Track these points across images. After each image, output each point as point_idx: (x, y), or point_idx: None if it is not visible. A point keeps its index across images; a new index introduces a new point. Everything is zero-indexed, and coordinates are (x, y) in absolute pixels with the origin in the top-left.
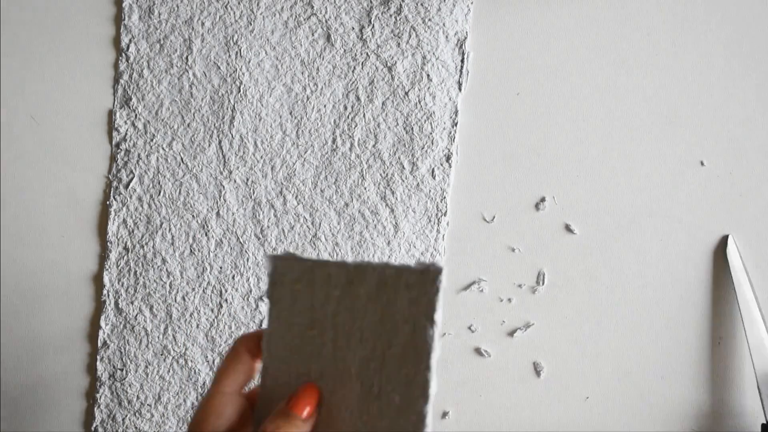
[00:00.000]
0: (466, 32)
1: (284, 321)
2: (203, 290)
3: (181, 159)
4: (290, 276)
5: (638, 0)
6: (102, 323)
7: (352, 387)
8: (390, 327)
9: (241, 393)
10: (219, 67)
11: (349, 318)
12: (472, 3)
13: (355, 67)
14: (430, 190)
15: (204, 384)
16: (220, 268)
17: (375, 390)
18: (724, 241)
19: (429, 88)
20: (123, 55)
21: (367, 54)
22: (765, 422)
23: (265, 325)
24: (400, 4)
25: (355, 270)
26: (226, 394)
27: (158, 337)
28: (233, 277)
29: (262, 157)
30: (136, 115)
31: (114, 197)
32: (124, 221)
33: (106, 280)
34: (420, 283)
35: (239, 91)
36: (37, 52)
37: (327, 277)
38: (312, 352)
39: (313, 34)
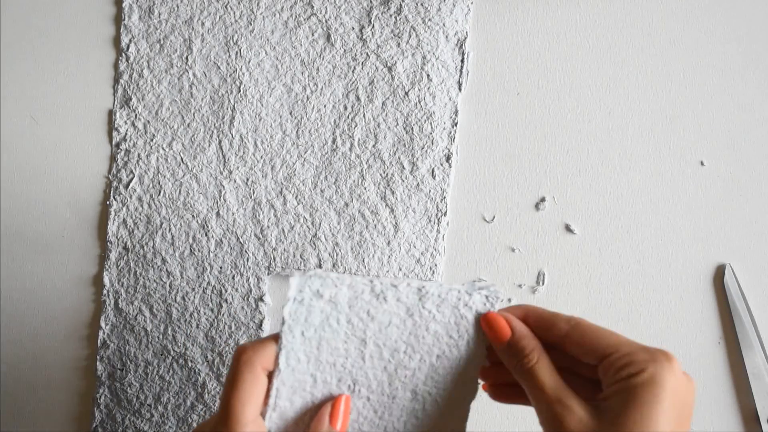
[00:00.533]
0: (466, 32)
1: (306, 337)
2: (203, 290)
3: (181, 159)
4: (315, 293)
5: (638, 0)
6: (102, 323)
7: (387, 394)
8: (438, 339)
9: (261, 422)
10: (219, 67)
11: (378, 331)
12: (472, 3)
13: (355, 67)
14: (430, 190)
15: (204, 384)
16: (220, 268)
17: (419, 396)
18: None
19: (429, 88)
20: (123, 55)
21: (367, 54)
22: None
23: (274, 333)
24: (400, 4)
25: (382, 286)
26: (250, 424)
27: (158, 337)
28: (233, 277)
29: (262, 157)
30: (136, 115)
31: (114, 197)
32: (124, 221)
33: (106, 280)
34: (480, 304)
35: (239, 91)
36: (37, 52)
37: (354, 292)
38: (336, 365)
39: (313, 34)
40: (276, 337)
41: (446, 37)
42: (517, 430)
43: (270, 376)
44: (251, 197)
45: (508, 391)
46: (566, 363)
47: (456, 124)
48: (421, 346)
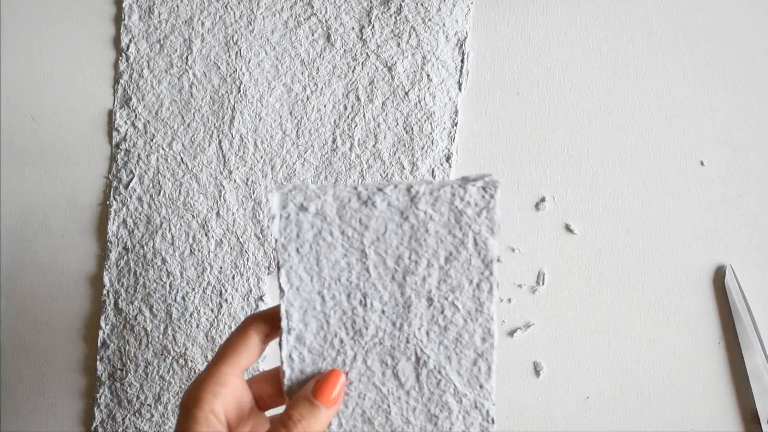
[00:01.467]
0: (466, 32)
1: (302, 254)
2: (203, 290)
3: (181, 159)
4: (299, 207)
5: (638, 0)
6: (102, 323)
7: (401, 304)
8: (442, 240)
9: (241, 375)
10: (219, 67)
11: (375, 239)
12: (472, 3)
13: (355, 67)
14: None
15: None
16: (220, 268)
17: (437, 303)
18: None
19: (429, 88)
20: (123, 55)
21: (367, 54)
22: None
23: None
24: (400, 4)
25: (368, 191)
26: (225, 375)
27: (158, 337)
28: (233, 277)
29: (262, 157)
30: (136, 115)
31: (114, 197)
32: (124, 221)
33: (105, 280)
34: (479, 197)
35: (239, 91)
36: (38, 52)
37: (340, 202)
38: (341, 279)
39: (313, 34)
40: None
41: (446, 37)
42: (517, 429)
43: (272, 333)
44: (251, 197)
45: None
46: None
47: (456, 124)
48: (425, 249)
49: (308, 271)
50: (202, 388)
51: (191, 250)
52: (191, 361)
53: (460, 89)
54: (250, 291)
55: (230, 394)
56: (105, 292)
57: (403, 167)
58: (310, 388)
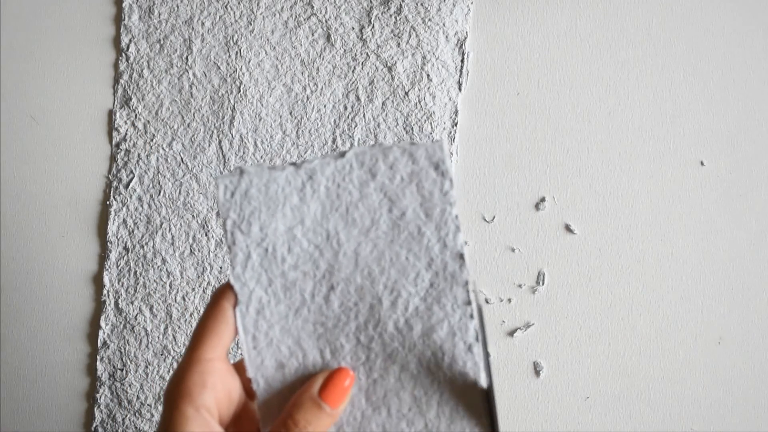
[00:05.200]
0: (466, 32)
1: (264, 240)
2: (203, 290)
3: (181, 159)
4: (244, 194)
5: (638, 0)
6: (102, 323)
7: (368, 280)
8: (392, 204)
9: (227, 360)
10: (219, 67)
11: (329, 213)
12: (472, 3)
13: (355, 67)
14: None
15: None
16: (220, 268)
17: (403, 257)
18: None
19: (429, 88)
20: (123, 55)
21: (367, 54)
22: None
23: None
24: (400, 4)
25: (307, 167)
26: (210, 361)
27: (158, 337)
28: None
29: (262, 157)
30: (136, 115)
31: (114, 197)
32: (124, 221)
33: (106, 280)
34: (425, 156)
35: (239, 91)
36: (37, 52)
37: (286, 180)
38: (314, 263)
39: (313, 34)
40: None
41: (446, 37)
42: (517, 429)
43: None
44: None
45: None
46: None
47: (456, 124)
48: (381, 210)
49: (258, 248)
50: (187, 378)
51: (191, 250)
52: None
53: (460, 89)
54: None
55: (219, 382)
56: (105, 292)
57: None
58: (316, 387)
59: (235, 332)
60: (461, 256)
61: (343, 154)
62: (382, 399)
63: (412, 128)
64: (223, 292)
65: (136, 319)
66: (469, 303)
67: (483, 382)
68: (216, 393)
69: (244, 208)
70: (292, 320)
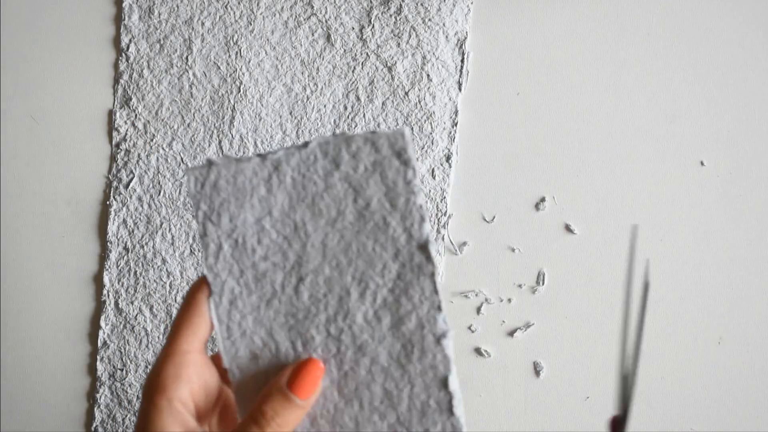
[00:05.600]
0: (466, 32)
1: (236, 234)
2: None
3: (181, 159)
4: (213, 185)
5: (638, 0)
6: (102, 323)
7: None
8: (357, 194)
9: (204, 352)
10: (219, 67)
11: (300, 203)
12: (472, 3)
13: (355, 67)
14: (430, 190)
15: None
16: None
17: (370, 248)
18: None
19: (429, 88)
20: (123, 55)
21: (367, 54)
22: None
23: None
24: (400, 4)
25: (272, 158)
26: (186, 354)
27: (158, 337)
28: None
29: None
30: (136, 115)
31: (114, 197)
32: (124, 221)
33: (106, 280)
34: (400, 137)
35: (239, 91)
36: (37, 52)
37: (253, 171)
38: (284, 253)
39: (313, 34)
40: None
41: (446, 37)
42: (517, 429)
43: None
44: None
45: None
46: None
47: (456, 124)
48: (347, 200)
49: (228, 239)
50: (162, 371)
51: (191, 250)
52: None
53: (460, 89)
54: None
55: (194, 375)
56: (105, 292)
57: None
58: (284, 378)
59: (211, 324)
60: (427, 247)
61: (306, 144)
62: (354, 392)
63: (412, 128)
64: (199, 285)
65: (136, 319)
66: (436, 293)
67: (453, 378)
68: (191, 385)
69: (213, 199)
70: (264, 311)
